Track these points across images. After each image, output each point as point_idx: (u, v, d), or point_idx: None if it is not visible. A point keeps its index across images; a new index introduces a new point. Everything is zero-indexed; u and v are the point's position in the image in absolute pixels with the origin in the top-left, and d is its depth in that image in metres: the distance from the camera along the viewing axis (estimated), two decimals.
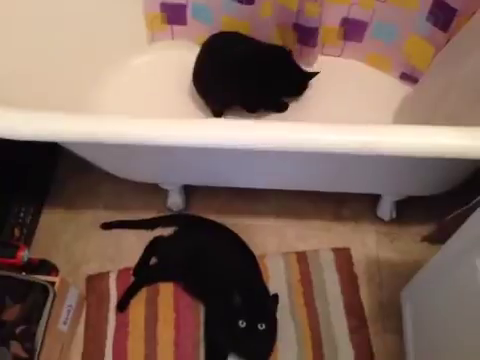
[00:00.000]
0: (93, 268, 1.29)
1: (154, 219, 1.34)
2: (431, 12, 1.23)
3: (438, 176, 1.10)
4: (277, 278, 1.23)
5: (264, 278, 1.22)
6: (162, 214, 1.35)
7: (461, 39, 1.11)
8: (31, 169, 1.36)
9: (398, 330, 1.13)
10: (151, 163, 1.14)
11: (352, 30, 1.40)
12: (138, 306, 1.20)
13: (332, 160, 1.02)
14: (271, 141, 0.89)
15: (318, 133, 0.89)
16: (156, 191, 1.33)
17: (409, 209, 1.33)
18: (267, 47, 1.33)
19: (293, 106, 1.38)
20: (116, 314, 1.20)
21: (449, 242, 0.87)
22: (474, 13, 1.09)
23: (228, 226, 1.28)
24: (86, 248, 1.32)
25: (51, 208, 1.39)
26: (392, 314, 1.18)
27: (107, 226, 1.35)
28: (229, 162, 1.08)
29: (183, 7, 1.43)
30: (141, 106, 1.34)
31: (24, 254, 1.06)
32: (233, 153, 1.00)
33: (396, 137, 0.88)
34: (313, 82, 1.36)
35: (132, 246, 1.30)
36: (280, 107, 1.38)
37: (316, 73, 1.36)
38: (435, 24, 1.24)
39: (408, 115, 1.28)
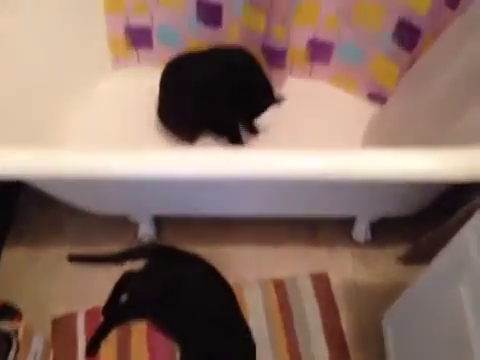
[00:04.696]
0: (59, 308, 1.21)
1: (123, 252, 1.28)
2: (396, 32, 1.25)
3: (410, 197, 1.10)
4: (255, 309, 1.19)
5: (242, 309, 1.17)
6: (132, 246, 1.30)
7: (427, 61, 1.13)
8: None
9: (381, 356, 1.10)
10: (118, 195, 1.08)
11: (319, 51, 1.41)
12: (109, 349, 1.13)
13: (303, 186, 1.00)
14: (236, 171, 0.86)
15: (286, 162, 0.87)
16: (126, 222, 1.28)
17: (384, 230, 1.32)
18: (226, 58, 1.27)
19: (262, 129, 1.34)
20: None
21: (429, 269, 0.85)
22: (439, 32, 1.10)
23: (202, 255, 1.23)
24: (52, 287, 1.24)
25: (13, 245, 1.31)
26: (374, 339, 1.15)
27: (74, 258, 1.28)
28: (198, 192, 1.04)
29: (148, 30, 1.40)
30: (107, 135, 1.29)
31: None
32: (201, 183, 0.97)
33: (365, 163, 0.87)
34: (283, 104, 1.34)
35: (101, 283, 1.23)
36: (252, 128, 1.35)
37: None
38: (400, 44, 1.26)
39: (376, 136, 1.29)
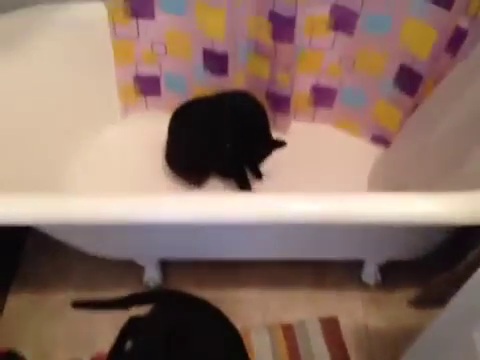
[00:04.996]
0: (64, 355, 1.18)
1: (128, 297, 1.25)
2: (397, 78, 1.29)
3: (414, 240, 1.09)
4: (263, 353, 1.17)
5: (249, 354, 1.14)
6: (138, 291, 1.28)
7: (429, 106, 1.15)
8: None
9: None
10: (123, 239, 1.09)
11: (322, 97, 1.45)
12: None
13: (310, 229, 1.00)
14: (242, 215, 0.86)
15: (290, 205, 0.87)
16: (131, 267, 1.27)
17: (394, 273, 1.30)
18: (232, 102, 1.30)
19: (267, 173, 1.37)
20: None
21: (442, 314, 0.83)
22: (440, 78, 1.14)
23: (209, 299, 1.21)
24: (56, 333, 1.22)
25: (18, 291, 1.30)
26: None
27: (78, 305, 1.26)
28: (204, 235, 1.05)
29: (156, 78, 1.45)
30: (115, 180, 1.31)
31: None
32: (207, 228, 0.97)
33: (369, 206, 0.86)
34: (287, 148, 1.36)
35: (106, 329, 1.21)
36: (256, 172, 1.37)
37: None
38: (402, 90, 1.29)
39: (381, 180, 1.30)
